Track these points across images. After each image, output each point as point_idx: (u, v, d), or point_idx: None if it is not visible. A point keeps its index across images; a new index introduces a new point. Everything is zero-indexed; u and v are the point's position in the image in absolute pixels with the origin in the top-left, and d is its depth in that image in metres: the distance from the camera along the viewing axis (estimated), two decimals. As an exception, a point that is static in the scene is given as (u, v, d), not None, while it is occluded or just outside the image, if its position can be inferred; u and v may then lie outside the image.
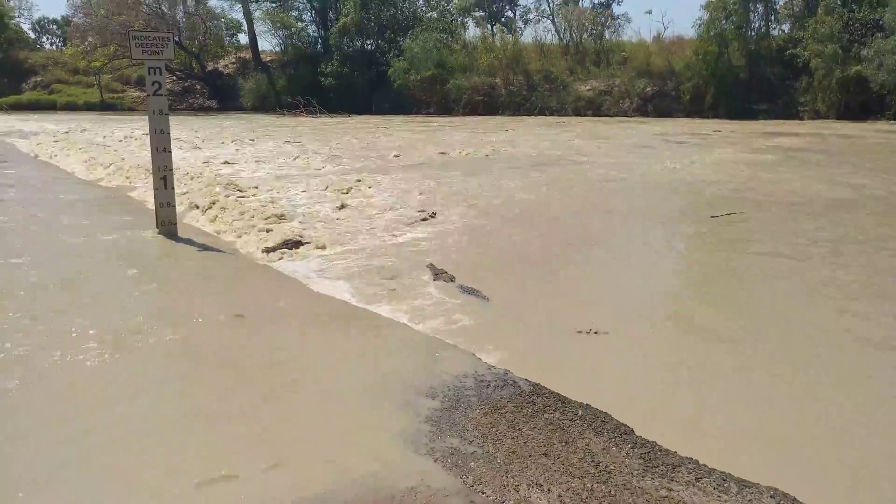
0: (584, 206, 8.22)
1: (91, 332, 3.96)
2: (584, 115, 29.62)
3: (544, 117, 29.33)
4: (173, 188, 6.43)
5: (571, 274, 5.53)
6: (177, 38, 40.65)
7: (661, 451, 2.76)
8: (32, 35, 55.59)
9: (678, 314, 4.52)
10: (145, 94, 6.35)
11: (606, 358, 3.76)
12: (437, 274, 5.20)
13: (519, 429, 2.91)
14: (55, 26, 55.22)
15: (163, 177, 6.31)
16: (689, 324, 4.33)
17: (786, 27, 29.77)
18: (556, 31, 37.74)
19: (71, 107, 39.54)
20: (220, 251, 6.07)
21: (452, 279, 5.09)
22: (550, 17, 39.87)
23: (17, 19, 53.96)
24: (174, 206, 6.45)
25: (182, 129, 21.13)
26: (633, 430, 2.91)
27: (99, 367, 3.51)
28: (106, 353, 3.66)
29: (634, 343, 3.97)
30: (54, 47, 54.02)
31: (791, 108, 26.96)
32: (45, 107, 39.12)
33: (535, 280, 5.29)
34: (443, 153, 14.02)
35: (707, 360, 3.73)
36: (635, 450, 2.76)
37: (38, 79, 44.54)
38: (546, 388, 3.29)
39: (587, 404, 3.13)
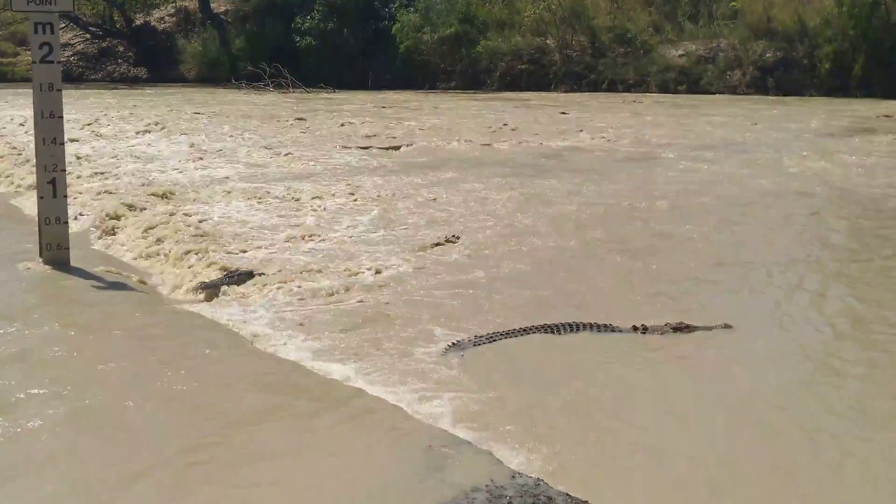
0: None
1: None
2: (676, 92, 29.50)
3: (617, 94, 29.30)
4: (66, 196, 6.43)
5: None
6: (93, -20, 41.56)
7: None
8: None
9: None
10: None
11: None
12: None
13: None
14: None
15: (51, 180, 6.31)
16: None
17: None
18: (635, -29, 37.93)
19: (-57, 75, 40.50)
20: (131, 289, 6.06)
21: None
22: (627, -49, 40.12)
23: None
24: (66, 223, 6.44)
25: (91, 107, 21.43)
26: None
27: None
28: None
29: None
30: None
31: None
32: None
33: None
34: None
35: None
36: None
37: None
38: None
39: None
